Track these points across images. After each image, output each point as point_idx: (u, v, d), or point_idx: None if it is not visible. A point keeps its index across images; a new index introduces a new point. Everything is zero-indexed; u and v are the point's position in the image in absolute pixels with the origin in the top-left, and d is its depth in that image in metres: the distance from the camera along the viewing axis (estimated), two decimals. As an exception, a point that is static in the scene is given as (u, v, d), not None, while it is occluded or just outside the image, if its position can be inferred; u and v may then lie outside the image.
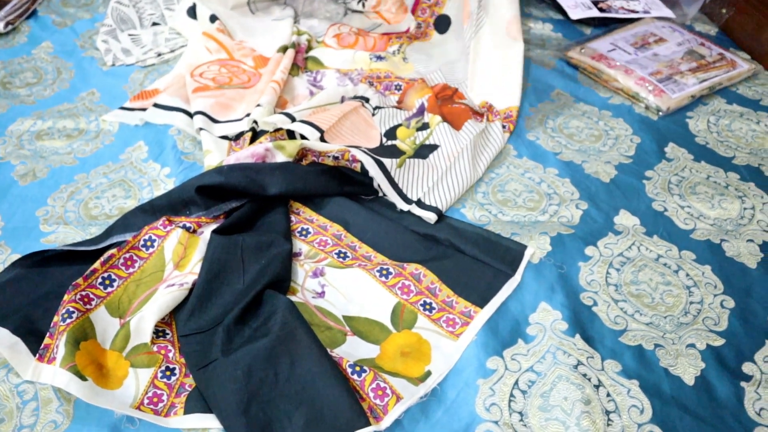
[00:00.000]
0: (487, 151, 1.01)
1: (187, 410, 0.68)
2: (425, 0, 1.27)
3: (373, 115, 1.10)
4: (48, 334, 0.72)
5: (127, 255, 0.81)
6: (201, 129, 1.03)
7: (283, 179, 0.88)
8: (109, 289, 0.78)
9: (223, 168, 0.89)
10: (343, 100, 1.12)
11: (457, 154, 0.98)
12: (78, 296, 0.74)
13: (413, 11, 1.27)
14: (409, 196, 0.93)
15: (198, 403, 0.69)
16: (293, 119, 1.02)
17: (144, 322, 0.73)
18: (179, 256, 0.81)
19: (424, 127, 1.06)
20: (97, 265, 0.78)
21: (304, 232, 0.89)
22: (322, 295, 0.80)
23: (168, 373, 0.72)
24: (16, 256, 0.84)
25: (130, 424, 0.67)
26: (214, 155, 0.98)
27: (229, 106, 1.11)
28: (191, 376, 0.71)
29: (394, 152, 1.00)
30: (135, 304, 0.77)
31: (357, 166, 0.93)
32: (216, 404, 0.67)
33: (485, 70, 1.15)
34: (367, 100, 1.12)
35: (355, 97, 1.13)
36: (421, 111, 1.09)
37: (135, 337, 0.74)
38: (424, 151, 1.01)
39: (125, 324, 0.75)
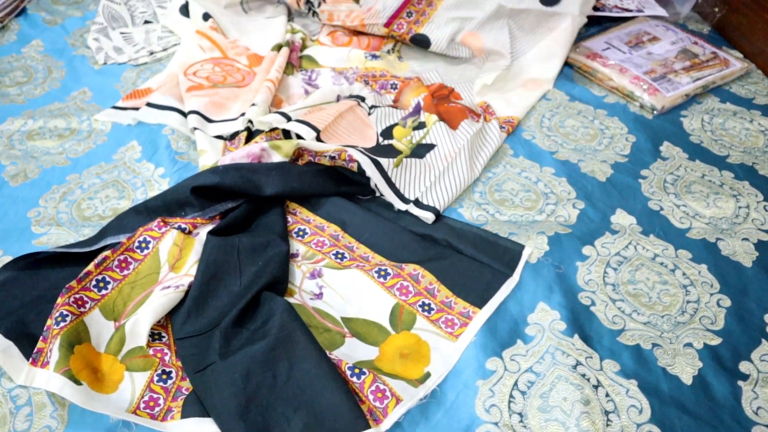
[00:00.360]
0: (484, 151, 1.01)
1: (184, 414, 0.68)
2: (405, 16, 1.25)
3: (369, 114, 1.09)
4: (41, 338, 0.71)
5: (122, 257, 0.80)
6: (195, 128, 1.02)
7: (279, 179, 0.88)
8: (104, 292, 0.77)
9: (218, 168, 0.88)
10: (338, 99, 1.11)
11: (455, 154, 0.98)
12: (72, 299, 0.73)
13: (388, 25, 1.24)
14: (406, 195, 0.93)
15: (195, 407, 0.68)
16: (289, 118, 1.02)
17: (139, 325, 0.73)
18: (175, 258, 0.80)
19: (421, 126, 1.06)
20: (91, 267, 0.77)
21: (301, 233, 0.88)
22: (320, 296, 0.80)
23: (164, 376, 0.71)
24: (7, 258, 0.83)
25: (126, 429, 0.66)
26: (209, 155, 0.98)
27: (224, 105, 1.10)
28: (188, 379, 0.70)
29: (391, 152, 0.99)
30: (130, 306, 0.76)
31: (354, 166, 0.92)
32: (214, 408, 0.66)
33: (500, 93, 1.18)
34: (363, 99, 1.12)
35: (351, 96, 1.12)
36: (417, 110, 1.09)
37: (130, 341, 0.73)
38: (420, 150, 1.00)
39: (120, 327, 0.74)
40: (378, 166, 0.92)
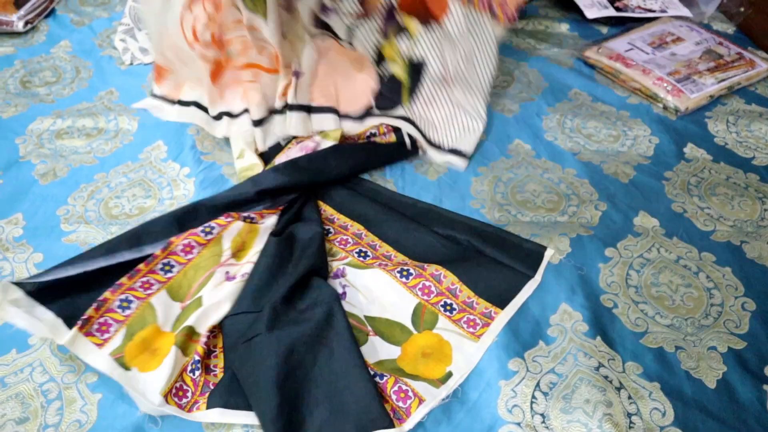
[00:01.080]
0: (484, 52, 1.02)
1: (209, 406, 0.69)
2: None
3: (350, 44, 1.01)
4: (94, 307, 0.73)
5: (186, 241, 0.81)
6: (226, 127, 1.03)
7: (339, 161, 0.95)
8: (169, 275, 0.79)
9: (279, 167, 0.92)
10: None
11: (453, 77, 1.00)
12: (139, 282, 0.76)
13: None
14: (435, 142, 1.00)
15: (219, 399, 0.69)
16: (309, 109, 1.02)
17: (206, 316, 0.76)
18: (237, 247, 0.83)
19: (402, 31, 0.99)
20: (157, 251, 0.79)
21: (325, 232, 0.89)
22: (343, 295, 0.81)
23: (192, 366, 0.72)
24: (38, 255, 0.85)
25: (153, 424, 0.68)
26: (248, 157, 0.99)
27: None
28: (228, 355, 0.73)
29: (395, 86, 1.01)
30: (194, 287, 0.79)
31: (391, 137, 0.99)
32: (251, 375, 0.68)
33: None
34: (330, 29, 0.99)
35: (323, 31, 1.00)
36: (391, 14, 0.99)
37: (191, 322, 0.75)
38: (415, 74, 1.01)
39: (186, 308, 0.77)
40: (411, 123, 1.00)
